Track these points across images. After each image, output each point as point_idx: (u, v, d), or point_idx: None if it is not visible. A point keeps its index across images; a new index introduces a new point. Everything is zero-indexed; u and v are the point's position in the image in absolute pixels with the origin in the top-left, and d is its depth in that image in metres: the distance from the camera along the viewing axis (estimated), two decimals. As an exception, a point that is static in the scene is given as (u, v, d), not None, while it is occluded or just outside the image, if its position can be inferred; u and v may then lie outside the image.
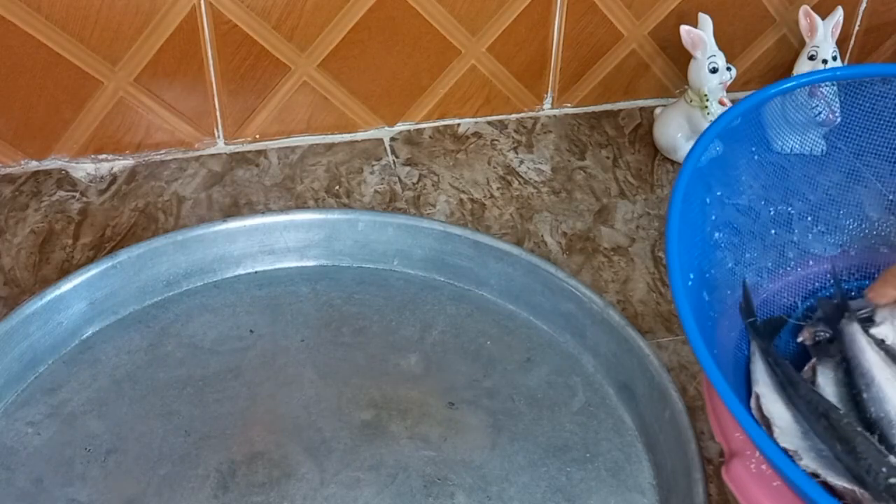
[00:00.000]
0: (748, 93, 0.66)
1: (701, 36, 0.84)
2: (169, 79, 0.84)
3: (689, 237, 0.58)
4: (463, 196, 0.86)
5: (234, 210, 0.83)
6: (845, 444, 0.53)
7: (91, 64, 0.82)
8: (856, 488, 0.52)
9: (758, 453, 0.54)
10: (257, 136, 0.90)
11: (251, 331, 0.72)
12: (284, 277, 0.76)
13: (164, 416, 0.66)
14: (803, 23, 0.87)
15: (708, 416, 0.59)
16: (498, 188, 0.87)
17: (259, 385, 0.68)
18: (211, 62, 0.84)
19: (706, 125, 0.69)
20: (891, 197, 0.68)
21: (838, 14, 0.87)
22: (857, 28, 0.97)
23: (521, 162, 0.90)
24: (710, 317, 0.60)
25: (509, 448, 0.65)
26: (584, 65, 0.93)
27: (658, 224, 0.83)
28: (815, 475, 0.52)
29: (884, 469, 0.51)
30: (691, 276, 0.57)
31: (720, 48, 0.85)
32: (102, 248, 0.79)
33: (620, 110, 0.96)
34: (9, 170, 0.86)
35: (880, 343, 0.60)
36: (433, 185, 0.86)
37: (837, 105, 0.67)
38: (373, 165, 0.88)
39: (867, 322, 0.61)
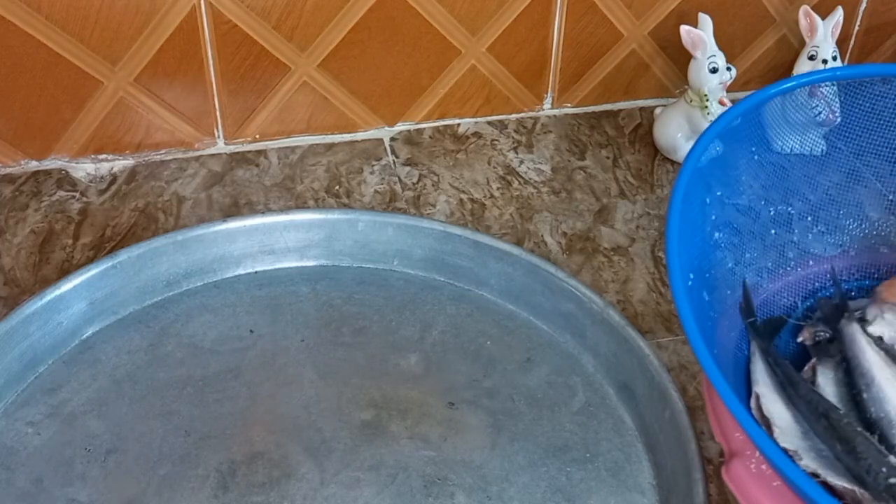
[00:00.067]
0: (748, 93, 0.66)
1: (701, 36, 0.84)
2: (169, 79, 0.84)
3: (689, 237, 0.58)
4: (463, 196, 0.86)
5: (234, 210, 0.83)
6: (845, 444, 0.53)
7: (91, 64, 0.82)
8: (856, 488, 0.52)
9: (758, 453, 0.54)
10: (257, 136, 0.90)
11: (251, 331, 0.72)
12: (284, 277, 0.76)
13: (164, 416, 0.66)
14: (803, 23, 0.87)
15: (708, 416, 0.59)
16: (498, 188, 0.87)
17: (259, 385, 0.68)
18: (211, 62, 0.84)
19: (706, 125, 0.69)
20: (891, 197, 0.68)
21: (838, 14, 0.87)
22: (857, 28, 0.97)
23: (521, 162, 0.90)
24: (710, 317, 0.60)
25: (509, 448, 0.65)
26: (584, 65, 0.93)
27: (658, 224, 0.83)
28: (815, 475, 0.53)
29: (884, 469, 0.51)
30: (691, 276, 0.57)
31: (720, 48, 0.85)
32: (102, 248, 0.79)
33: (620, 110, 0.96)
34: (9, 170, 0.86)
35: (879, 341, 0.60)
36: (433, 185, 0.86)
37: (837, 105, 0.67)
38: (373, 165, 0.88)
39: (865, 321, 0.61)
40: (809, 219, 0.67)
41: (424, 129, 0.93)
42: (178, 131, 0.87)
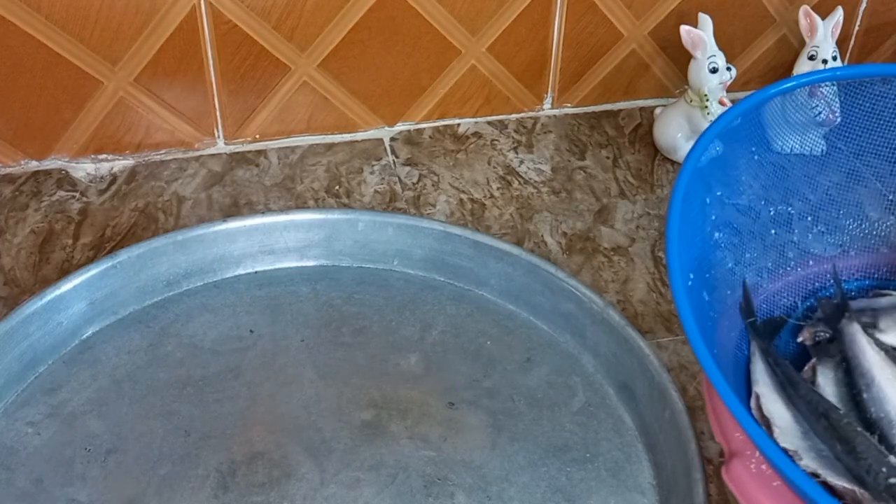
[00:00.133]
0: (748, 93, 0.66)
1: (701, 36, 0.84)
2: (169, 79, 0.84)
3: (689, 237, 0.58)
4: (463, 196, 0.86)
5: (234, 210, 0.83)
6: (845, 444, 0.53)
7: (91, 64, 0.82)
8: (856, 488, 0.52)
9: (758, 453, 0.54)
10: (257, 136, 0.90)
11: (251, 331, 0.72)
12: (284, 277, 0.76)
13: (164, 416, 0.66)
14: (803, 23, 0.87)
15: (708, 416, 0.59)
16: (498, 188, 0.87)
17: (259, 385, 0.68)
18: (211, 62, 0.84)
19: (706, 125, 0.69)
20: (891, 197, 0.68)
21: (838, 14, 0.87)
22: (857, 28, 0.97)
23: (521, 162, 0.90)
24: (710, 317, 0.60)
25: (509, 448, 0.65)
26: (584, 65, 0.93)
27: (658, 224, 0.83)
28: (815, 475, 0.53)
29: (884, 469, 0.51)
30: (691, 276, 0.57)
31: (720, 48, 0.85)
32: (102, 248, 0.79)
33: (620, 110, 0.96)
34: (9, 170, 0.86)
35: (879, 342, 0.60)
36: (433, 185, 0.86)
37: (837, 105, 0.67)
38: (373, 165, 0.88)
39: (871, 327, 0.61)
40: (809, 219, 0.67)
41: (424, 129, 0.93)
42: (178, 131, 0.87)
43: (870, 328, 0.61)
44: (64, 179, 0.85)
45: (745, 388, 0.60)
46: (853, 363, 0.59)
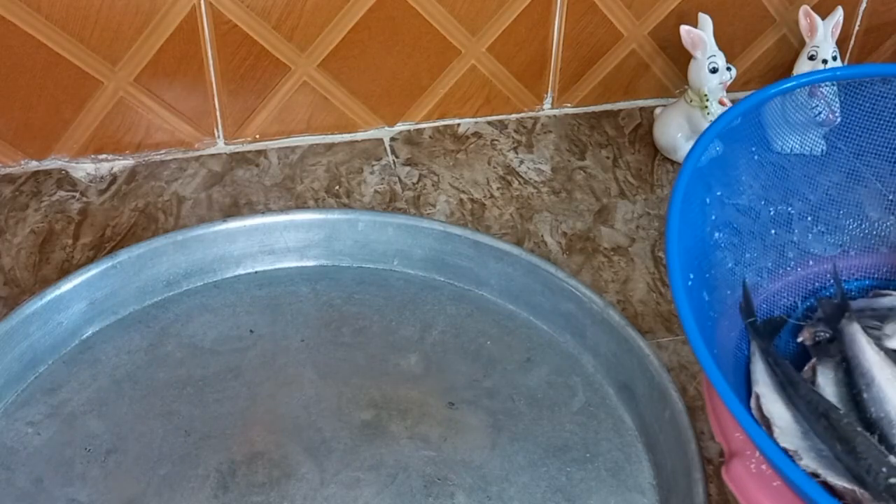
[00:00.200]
0: (748, 93, 0.66)
1: (701, 36, 0.84)
2: (169, 79, 0.84)
3: (689, 237, 0.58)
4: (463, 196, 0.86)
5: (234, 210, 0.83)
6: (845, 444, 0.53)
7: (91, 64, 0.82)
8: (856, 488, 0.52)
9: (758, 453, 0.54)
10: (257, 136, 0.90)
11: (251, 331, 0.72)
12: (284, 277, 0.76)
13: (164, 416, 0.66)
14: (803, 23, 0.87)
15: (708, 416, 0.59)
16: (498, 188, 0.87)
17: (259, 385, 0.68)
18: (211, 62, 0.84)
19: (706, 125, 0.69)
20: (891, 197, 0.68)
21: (838, 14, 0.87)
22: (857, 28, 0.97)
23: (521, 162, 0.90)
24: (710, 317, 0.60)
25: (509, 448, 0.65)
26: (584, 65, 0.93)
27: (658, 224, 0.83)
28: (815, 475, 0.53)
29: (884, 469, 0.51)
30: (691, 276, 0.57)
31: (720, 48, 0.85)
32: (102, 248, 0.79)
33: (620, 110, 0.96)
34: (9, 170, 0.86)
35: (890, 351, 0.60)
36: (433, 185, 0.86)
37: (837, 105, 0.67)
38: (373, 165, 0.88)
39: (873, 329, 0.61)
40: (809, 219, 0.67)
41: (424, 129, 0.93)
42: (178, 131, 0.87)
43: (876, 331, 0.61)
44: (64, 179, 0.85)
45: (745, 388, 0.60)
46: (853, 363, 0.58)
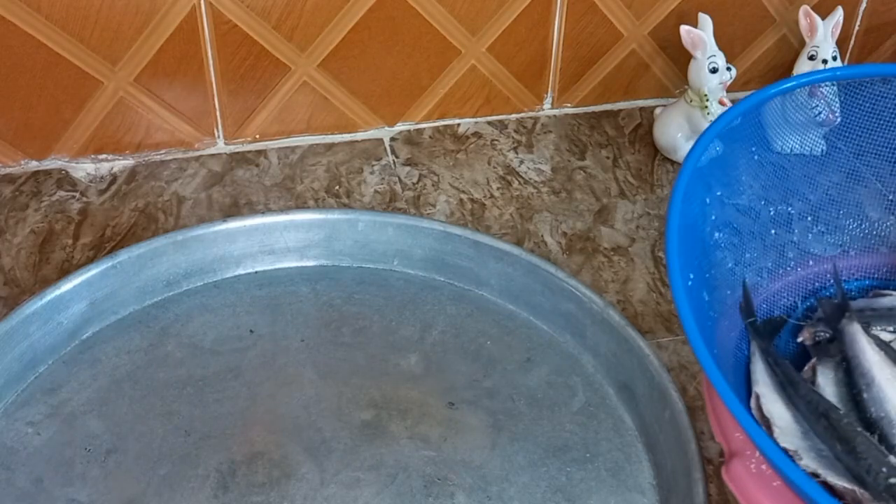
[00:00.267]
0: (748, 93, 0.66)
1: (701, 36, 0.84)
2: (169, 79, 0.84)
3: (689, 237, 0.58)
4: (463, 196, 0.86)
5: (234, 210, 0.83)
6: (845, 444, 0.53)
7: (91, 64, 0.82)
8: (856, 488, 0.52)
9: (758, 453, 0.54)
10: (257, 136, 0.90)
11: (251, 331, 0.72)
12: (284, 277, 0.76)
13: (164, 416, 0.66)
14: (803, 23, 0.87)
15: (708, 416, 0.59)
16: (498, 188, 0.87)
17: (259, 385, 0.68)
18: (211, 62, 0.84)
19: (706, 125, 0.69)
20: (891, 197, 0.68)
21: (838, 14, 0.87)
22: (857, 28, 0.97)
23: (521, 162, 0.90)
24: (710, 317, 0.60)
25: (509, 448, 0.65)
26: (584, 65, 0.93)
27: (658, 224, 0.83)
28: (815, 475, 0.52)
29: (884, 469, 0.51)
30: (691, 276, 0.57)
31: (720, 48, 0.85)
32: (102, 248, 0.79)
33: (620, 110, 0.96)
34: (9, 170, 0.86)
35: (879, 341, 0.60)
36: (433, 185, 0.86)
37: (837, 105, 0.67)
38: (373, 165, 0.88)
39: (870, 325, 0.61)
40: (809, 219, 0.67)
41: (424, 129, 0.93)
42: (178, 131, 0.87)
43: (872, 325, 0.61)
44: (64, 179, 0.85)
45: (745, 388, 0.60)
46: (853, 363, 0.59)
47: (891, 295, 0.66)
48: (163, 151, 0.88)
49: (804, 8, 0.87)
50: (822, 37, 0.86)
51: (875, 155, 0.67)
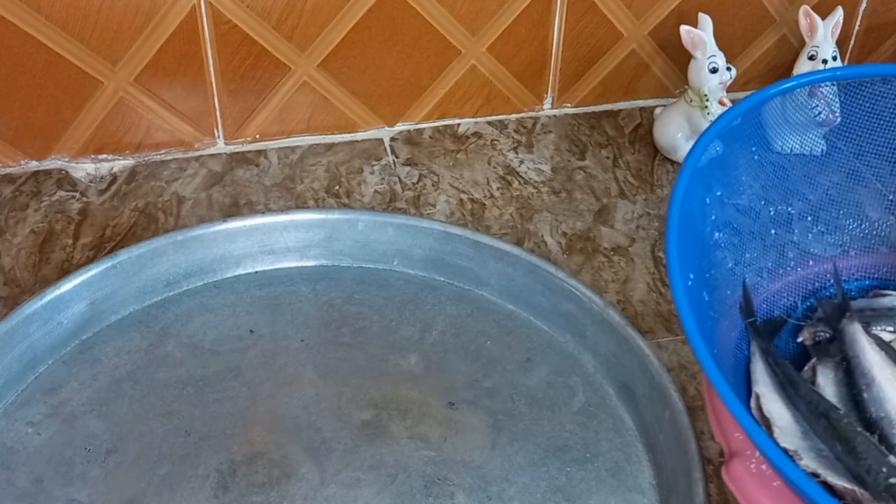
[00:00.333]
0: (748, 93, 0.66)
1: (701, 36, 0.84)
2: (169, 79, 0.84)
3: (689, 237, 0.58)
4: (463, 196, 0.86)
5: (234, 210, 0.83)
6: (845, 444, 0.53)
7: (91, 64, 0.82)
8: (856, 488, 0.52)
9: (758, 453, 0.54)
10: (257, 136, 0.90)
11: (251, 331, 0.72)
12: (284, 277, 0.76)
13: (164, 416, 0.66)
14: (803, 23, 0.87)
15: (708, 416, 0.59)
16: (498, 188, 0.87)
17: (259, 385, 0.68)
18: (211, 62, 0.84)
19: (706, 125, 0.69)
20: (891, 197, 0.68)
21: (838, 14, 0.87)
22: (857, 28, 0.97)
23: (521, 162, 0.90)
24: (710, 317, 0.60)
25: (509, 448, 0.65)
26: (584, 65, 0.93)
27: (658, 224, 0.83)
28: (815, 475, 0.53)
29: (884, 469, 0.51)
30: (691, 276, 0.57)
31: (720, 48, 0.85)
32: (102, 248, 0.79)
33: (620, 110, 0.96)
34: (9, 170, 0.86)
35: (880, 341, 0.60)
36: (433, 185, 0.86)
37: (837, 105, 0.67)
38: (373, 165, 0.88)
39: (870, 325, 0.61)
40: (809, 219, 0.67)
41: (424, 129, 0.93)
42: (178, 131, 0.87)
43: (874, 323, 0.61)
44: (64, 179, 0.85)
45: (745, 388, 0.60)
46: (853, 363, 0.59)
47: (891, 295, 0.66)
48: (163, 151, 0.88)
49: (804, 8, 0.87)
50: (822, 37, 0.86)
51: (875, 155, 0.67)
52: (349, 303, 0.74)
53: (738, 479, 0.54)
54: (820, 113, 0.68)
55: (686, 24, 0.85)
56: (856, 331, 0.60)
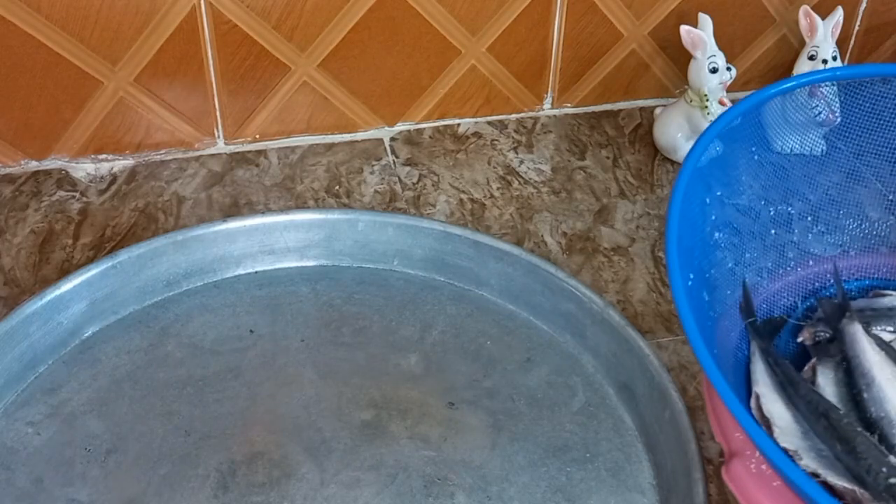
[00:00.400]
0: (748, 93, 0.66)
1: (701, 36, 0.84)
2: (169, 79, 0.84)
3: (689, 237, 0.58)
4: (463, 196, 0.86)
5: (234, 210, 0.83)
6: (845, 444, 0.53)
7: (91, 64, 0.82)
8: (856, 488, 0.52)
9: (758, 453, 0.54)
10: (257, 136, 0.90)
11: (251, 331, 0.72)
12: (284, 277, 0.76)
13: (164, 416, 0.66)
14: (803, 23, 0.87)
15: (708, 416, 0.59)
16: (498, 188, 0.87)
17: (259, 385, 0.68)
18: (211, 62, 0.84)
19: (706, 125, 0.69)
20: (891, 197, 0.68)
21: (838, 14, 0.87)
22: (857, 28, 0.97)
23: (521, 162, 0.90)
24: (710, 317, 0.60)
25: (509, 448, 0.65)
26: (584, 65, 0.93)
27: (658, 224, 0.83)
28: (815, 475, 0.53)
29: (884, 469, 0.51)
30: (691, 276, 0.57)
31: (720, 48, 0.85)
32: (102, 248, 0.79)
33: (620, 110, 0.96)
34: (9, 170, 0.86)
35: (880, 341, 0.60)
36: (433, 185, 0.86)
37: (837, 105, 0.67)
38: (373, 165, 0.88)
39: (870, 325, 0.61)
40: (809, 219, 0.67)
41: (424, 129, 0.93)
42: (178, 131, 0.87)
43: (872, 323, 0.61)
44: (64, 179, 0.85)
45: (745, 388, 0.60)
46: (853, 363, 0.59)
47: (891, 295, 0.66)
48: (163, 151, 0.88)
49: (804, 8, 0.87)
50: (822, 37, 0.86)
51: (875, 155, 0.67)
52: (349, 303, 0.74)
53: (738, 479, 0.54)
54: (820, 113, 0.68)
55: (686, 24, 0.85)
56: (856, 331, 0.60)
